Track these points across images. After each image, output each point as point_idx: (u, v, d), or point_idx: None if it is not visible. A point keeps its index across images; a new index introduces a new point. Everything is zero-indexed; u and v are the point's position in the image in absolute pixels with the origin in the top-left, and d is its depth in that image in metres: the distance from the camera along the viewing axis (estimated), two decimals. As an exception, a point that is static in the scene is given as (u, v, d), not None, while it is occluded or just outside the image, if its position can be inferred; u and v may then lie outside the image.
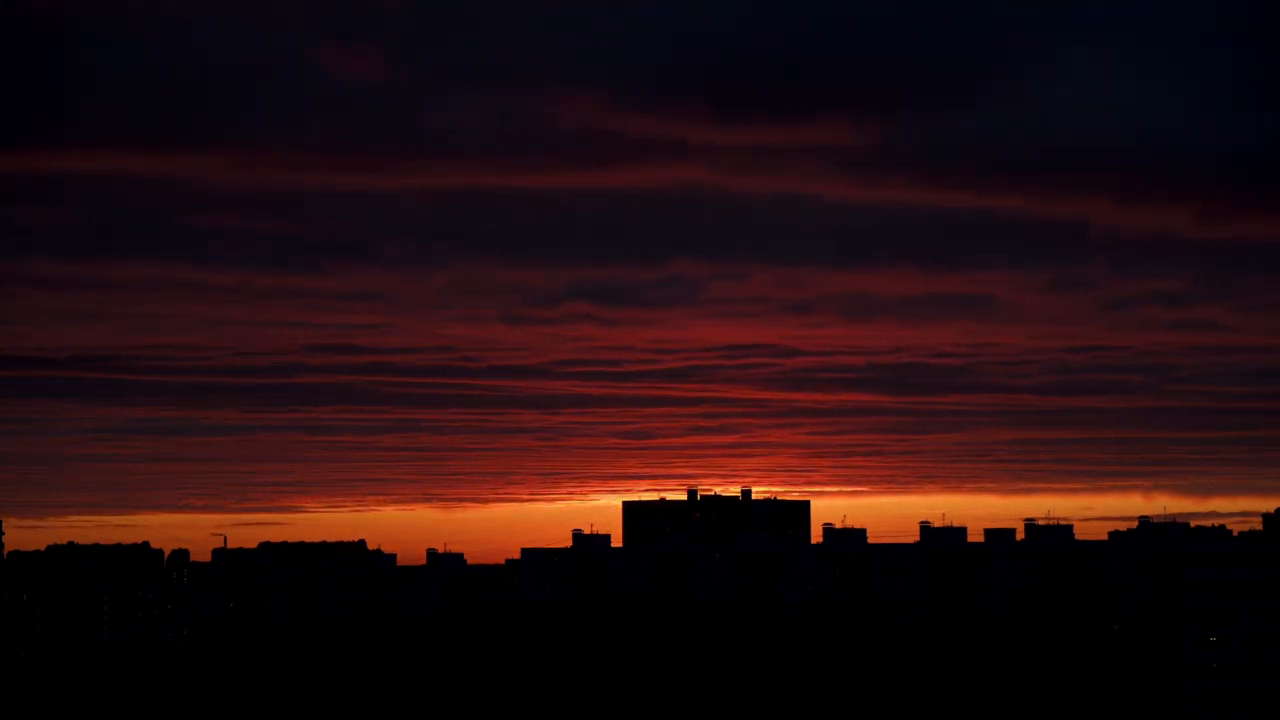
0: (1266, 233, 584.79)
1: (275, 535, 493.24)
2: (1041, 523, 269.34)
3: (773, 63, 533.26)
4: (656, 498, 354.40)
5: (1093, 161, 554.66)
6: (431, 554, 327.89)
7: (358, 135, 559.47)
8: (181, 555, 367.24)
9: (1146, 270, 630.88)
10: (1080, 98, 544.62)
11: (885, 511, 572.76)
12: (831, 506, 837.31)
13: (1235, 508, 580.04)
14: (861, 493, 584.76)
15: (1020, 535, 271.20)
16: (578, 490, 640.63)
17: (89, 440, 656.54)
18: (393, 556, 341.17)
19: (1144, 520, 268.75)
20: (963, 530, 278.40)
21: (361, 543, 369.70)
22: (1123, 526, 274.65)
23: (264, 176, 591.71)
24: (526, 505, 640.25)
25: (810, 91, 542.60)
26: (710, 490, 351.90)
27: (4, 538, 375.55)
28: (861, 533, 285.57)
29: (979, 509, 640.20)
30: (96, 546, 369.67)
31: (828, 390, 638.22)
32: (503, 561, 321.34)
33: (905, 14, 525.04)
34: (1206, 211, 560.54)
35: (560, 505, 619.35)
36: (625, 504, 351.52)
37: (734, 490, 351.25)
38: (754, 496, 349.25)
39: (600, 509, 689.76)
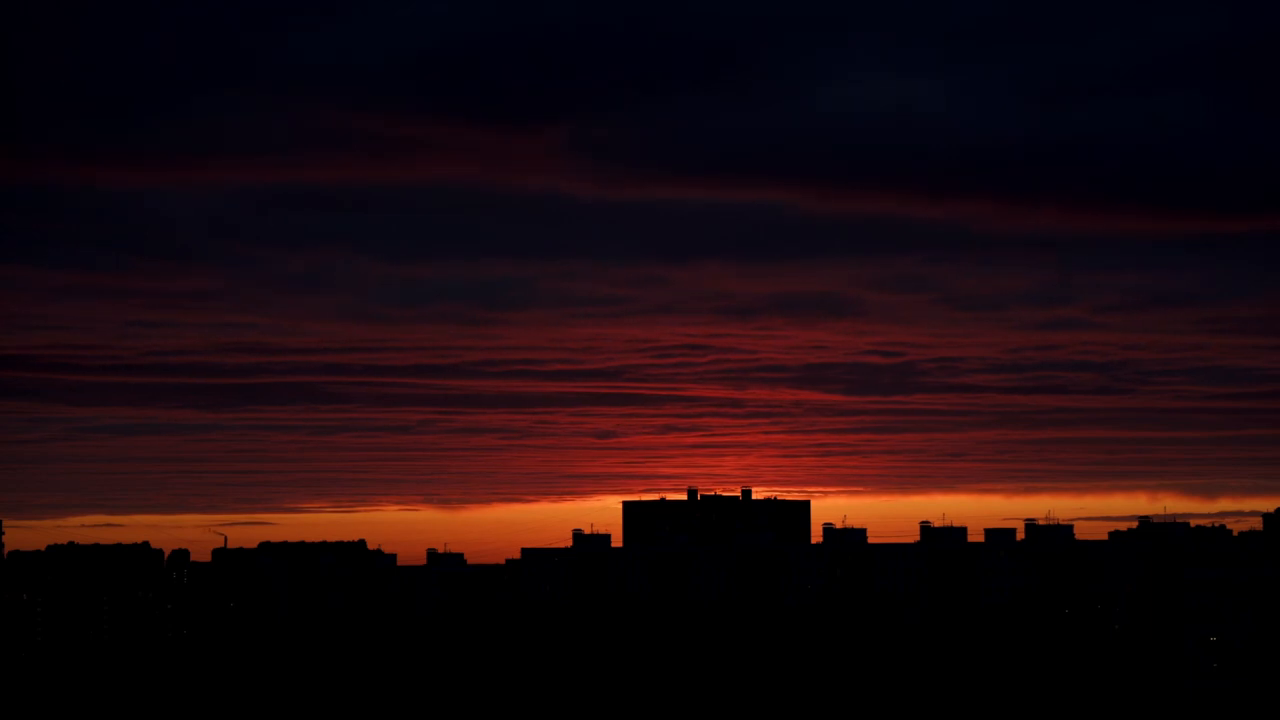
0: (1100, 228, 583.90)
1: (275, 535, 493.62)
2: (1041, 523, 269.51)
3: (532, 64, 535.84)
4: (656, 497, 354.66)
5: (891, 157, 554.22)
6: (431, 554, 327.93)
7: (144, 137, 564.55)
8: (181, 555, 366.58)
9: (979, 268, 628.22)
10: (873, 93, 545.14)
11: (885, 511, 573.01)
12: (832, 506, 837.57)
13: (1240, 508, 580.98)
14: (859, 492, 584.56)
15: (1020, 535, 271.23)
16: (574, 489, 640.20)
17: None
18: (393, 556, 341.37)
19: (1144, 520, 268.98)
20: (963, 530, 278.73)
21: (361, 543, 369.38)
22: (1123, 526, 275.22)
23: (42, 176, 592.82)
24: (526, 505, 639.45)
25: (571, 92, 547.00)
26: (711, 490, 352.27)
27: (4, 538, 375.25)
28: (862, 533, 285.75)
29: (979, 509, 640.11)
30: (96, 546, 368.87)
31: (781, 389, 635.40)
32: (503, 561, 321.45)
33: (680, 11, 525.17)
34: (1008, 210, 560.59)
35: (560, 505, 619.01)
36: (625, 504, 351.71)
37: (734, 490, 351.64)
38: (754, 496, 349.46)
39: (600, 509, 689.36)
